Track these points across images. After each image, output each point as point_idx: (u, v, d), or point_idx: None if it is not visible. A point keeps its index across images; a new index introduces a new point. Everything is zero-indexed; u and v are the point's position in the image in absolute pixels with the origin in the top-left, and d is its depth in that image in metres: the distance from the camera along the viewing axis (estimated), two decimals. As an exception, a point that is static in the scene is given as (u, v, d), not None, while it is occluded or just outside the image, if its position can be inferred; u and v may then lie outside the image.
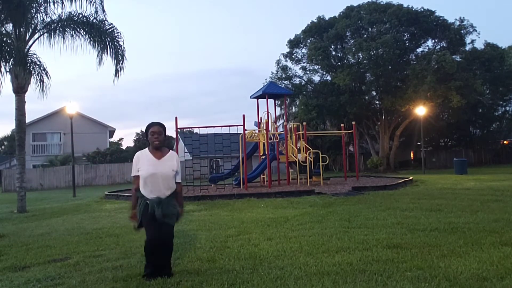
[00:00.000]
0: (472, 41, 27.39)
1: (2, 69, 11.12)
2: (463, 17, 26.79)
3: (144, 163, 3.85)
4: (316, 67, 29.51)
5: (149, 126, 3.96)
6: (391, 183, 13.61)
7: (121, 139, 51.36)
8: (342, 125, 18.89)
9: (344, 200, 9.66)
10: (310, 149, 15.15)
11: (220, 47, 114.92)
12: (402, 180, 14.37)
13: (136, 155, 3.98)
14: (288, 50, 30.26)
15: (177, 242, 5.36)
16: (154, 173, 3.80)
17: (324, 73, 30.06)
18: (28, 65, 11.50)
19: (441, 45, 27.29)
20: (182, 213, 4.12)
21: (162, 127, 3.95)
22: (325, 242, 5.04)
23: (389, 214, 7.12)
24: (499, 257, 4.01)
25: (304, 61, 29.92)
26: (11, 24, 11.33)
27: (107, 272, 4.16)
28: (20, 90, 11.34)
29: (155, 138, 3.89)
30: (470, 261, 3.92)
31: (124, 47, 11.92)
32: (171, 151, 4.05)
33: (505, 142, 36.51)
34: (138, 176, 3.88)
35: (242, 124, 13.48)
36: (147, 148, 4.00)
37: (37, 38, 11.69)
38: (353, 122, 18.07)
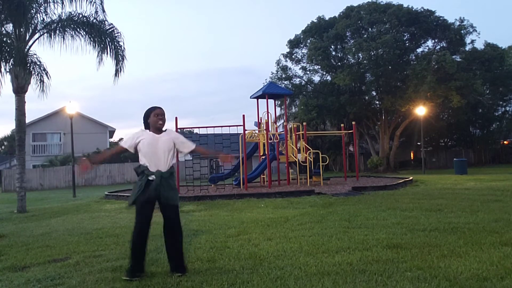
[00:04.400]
0: (472, 41, 27.45)
1: (2, 69, 11.14)
2: (463, 17, 26.88)
3: (144, 139, 3.94)
4: (316, 67, 29.54)
5: (152, 109, 4.05)
6: (391, 183, 13.59)
7: (121, 139, 51.19)
8: (342, 125, 18.89)
9: (344, 200, 9.66)
10: (310, 149, 15.14)
11: (221, 46, 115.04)
12: (402, 180, 14.35)
13: (138, 131, 4.06)
14: (288, 50, 30.29)
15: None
16: (155, 145, 3.90)
17: (324, 73, 30.08)
18: (28, 65, 11.51)
19: (441, 45, 27.31)
20: (226, 156, 4.29)
21: (164, 111, 4.10)
22: (325, 242, 5.03)
23: (389, 214, 7.11)
24: (499, 257, 4.01)
25: (304, 61, 29.95)
26: (11, 24, 11.33)
27: (107, 272, 4.15)
28: (20, 90, 11.33)
29: (159, 119, 3.99)
30: (470, 261, 3.92)
31: (124, 47, 11.94)
32: (168, 129, 4.15)
33: (505, 142, 36.52)
34: (124, 148, 4.00)
35: (242, 124, 13.48)
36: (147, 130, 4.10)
37: (37, 38, 11.69)
38: (353, 122, 18.06)
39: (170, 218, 3.92)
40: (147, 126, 4.07)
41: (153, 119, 3.99)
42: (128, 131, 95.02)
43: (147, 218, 3.84)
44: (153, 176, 3.84)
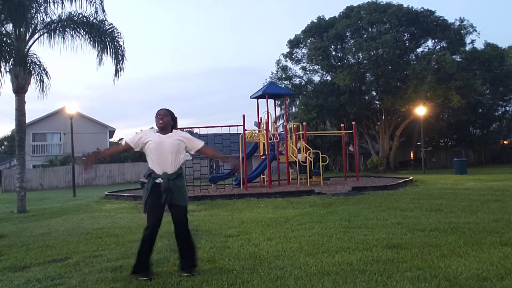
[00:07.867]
0: (472, 41, 27.50)
1: (2, 69, 11.12)
2: (463, 17, 26.90)
3: (151, 141, 3.95)
4: (316, 67, 29.53)
5: (157, 113, 4.10)
6: (391, 183, 13.60)
7: (121, 139, 51.25)
8: (342, 125, 18.89)
9: (344, 200, 9.66)
10: (310, 149, 15.15)
11: (221, 46, 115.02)
12: (402, 180, 14.36)
13: (147, 130, 4.09)
14: (288, 50, 30.30)
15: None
16: (161, 147, 3.90)
17: (324, 73, 30.08)
18: (28, 65, 11.50)
19: (441, 45, 27.33)
20: (234, 161, 4.29)
21: (168, 111, 4.09)
22: (325, 242, 5.03)
23: (389, 214, 7.11)
24: (499, 257, 4.01)
25: (304, 61, 29.95)
26: (11, 24, 11.33)
27: (107, 272, 4.16)
28: (20, 90, 11.33)
29: (159, 119, 4.01)
30: (470, 261, 3.92)
31: (124, 47, 11.93)
32: (175, 130, 4.13)
33: (505, 142, 36.52)
34: (129, 145, 4.02)
35: (242, 124, 13.48)
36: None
37: (37, 38, 11.68)
38: (353, 122, 18.07)
39: (176, 219, 3.94)
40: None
41: (155, 120, 4.05)
42: (128, 131, 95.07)
43: (158, 219, 3.89)
44: (160, 179, 3.86)
